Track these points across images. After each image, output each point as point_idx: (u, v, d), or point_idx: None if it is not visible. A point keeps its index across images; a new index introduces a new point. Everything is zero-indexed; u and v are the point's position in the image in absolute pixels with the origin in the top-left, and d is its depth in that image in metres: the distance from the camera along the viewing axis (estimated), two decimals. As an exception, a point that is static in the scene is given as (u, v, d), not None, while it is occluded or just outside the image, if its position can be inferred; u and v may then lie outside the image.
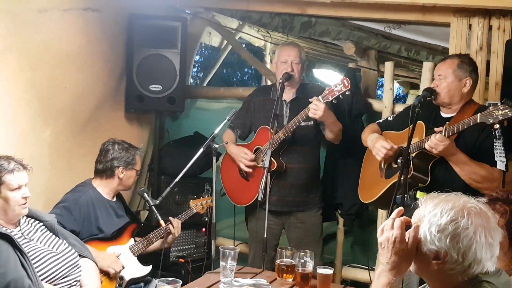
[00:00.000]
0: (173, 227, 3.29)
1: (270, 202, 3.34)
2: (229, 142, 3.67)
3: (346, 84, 3.07)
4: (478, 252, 1.46)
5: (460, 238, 1.46)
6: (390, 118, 3.26)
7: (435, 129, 2.69)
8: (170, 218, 3.34)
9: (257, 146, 3.59)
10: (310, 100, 3.22)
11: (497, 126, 2.66)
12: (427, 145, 2.67)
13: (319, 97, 3.17)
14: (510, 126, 2.83)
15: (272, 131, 3.25)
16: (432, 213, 1.51)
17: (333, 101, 3.17)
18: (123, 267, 3.08)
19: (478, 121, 2.54)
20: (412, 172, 2.76)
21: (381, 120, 3.34)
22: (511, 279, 1.58)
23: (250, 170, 3.56)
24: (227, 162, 3.79)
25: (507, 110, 2.44)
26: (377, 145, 3.00)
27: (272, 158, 3.20)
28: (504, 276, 1.52)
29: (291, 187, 3.50)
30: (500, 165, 2.73)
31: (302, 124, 3.35)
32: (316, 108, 3.16)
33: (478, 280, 1.48)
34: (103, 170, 3.20)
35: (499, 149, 2.74)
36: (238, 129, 3.74)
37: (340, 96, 3.12)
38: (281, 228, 3.65)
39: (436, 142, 2.62)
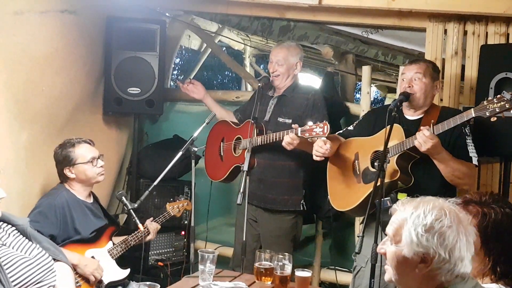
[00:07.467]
0: (150, 232, 3.32)
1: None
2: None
3: (325, 131, 2.98)
4: (462, 250, 1.48)
5: (446, 235, 1.47)
6: (351, 128, 3.24)
7: (421, 127, 2.68)
8: (147, 221, 3.33)
9: (238, 136, 3.66)
10: (283, 121, 3.34)
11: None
12: (416, 142, 2.66)
13: (299, 129, 3.09)
14: (479, 128, 2.89)
15: (254, 128, 3.36)
16: (415, 215, 1.51)
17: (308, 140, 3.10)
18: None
19: (473, 115, 2.53)
20: (399, 173, 2.78)
21: (341, 131, 3.28)
22: (478, 282, 1.60)
23: None
24: (214, 133, 3.90)
25: (503, 103, 2.42)
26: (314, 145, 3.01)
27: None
28: (471, 281, 1.53)
29: (259, 182, 3.53)
30: (475, 160, 2.80)
31: (279, 120, 3.44)
32: (290, 142, 3.16)
33: None
34: (60, 177, 3.23)
35: (471, 145, 2.81)
36: (239, 113, 3.92)
37: (315, 138, 3.05)
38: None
39: (425, 139, 2.62)
